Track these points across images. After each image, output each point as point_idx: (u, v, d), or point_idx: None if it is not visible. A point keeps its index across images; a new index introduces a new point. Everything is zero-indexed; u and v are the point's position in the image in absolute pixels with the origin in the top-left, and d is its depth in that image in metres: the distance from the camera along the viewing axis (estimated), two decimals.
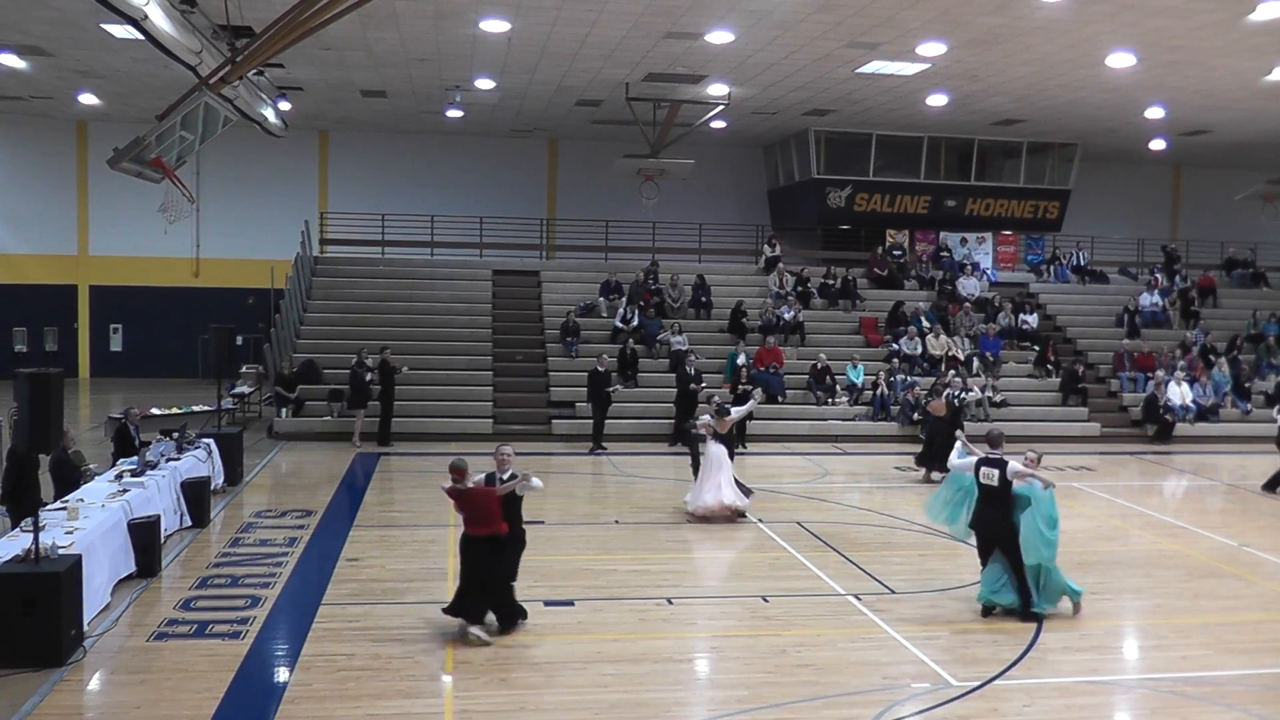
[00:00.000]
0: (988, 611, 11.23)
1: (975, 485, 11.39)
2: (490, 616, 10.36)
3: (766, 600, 11.59)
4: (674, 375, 23.92)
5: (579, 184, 32.25)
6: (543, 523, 15.15)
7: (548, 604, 11.24)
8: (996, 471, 11.20)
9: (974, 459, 11.49)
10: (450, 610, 10.28)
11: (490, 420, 23.61)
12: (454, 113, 28.02)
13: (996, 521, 11.18)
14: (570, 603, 11.36)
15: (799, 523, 15.45)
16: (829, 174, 30.26)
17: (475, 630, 10.11)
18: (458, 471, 10.40)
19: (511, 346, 26.07)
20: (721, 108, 25.34)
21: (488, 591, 10.26)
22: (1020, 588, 11.15)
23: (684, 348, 24.85)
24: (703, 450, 16.03)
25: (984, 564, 11.40)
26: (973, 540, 11.70)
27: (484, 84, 24.47)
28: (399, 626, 10.53)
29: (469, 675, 9.33)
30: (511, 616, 10.46)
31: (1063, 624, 11.09)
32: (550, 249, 31.81)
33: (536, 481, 10.63)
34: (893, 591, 12.14)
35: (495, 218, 31.23)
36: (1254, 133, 28.46)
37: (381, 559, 13.13)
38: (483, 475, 10.68)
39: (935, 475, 18.71)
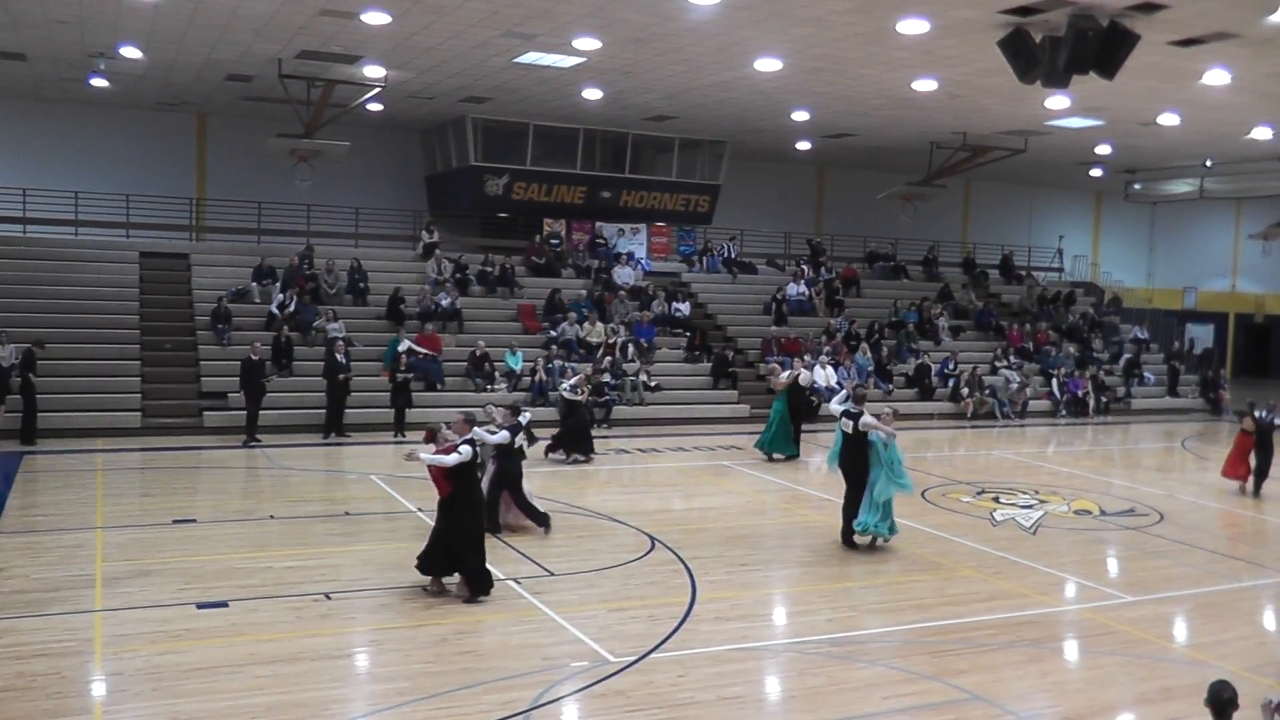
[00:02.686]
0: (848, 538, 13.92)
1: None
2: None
3: (426, 591, 11.43)
4: (324, 365, 23.14)
5: (231, 163, 30.65)
6: (194, 521, 14.47)
7: (200, 606, 10.71)
8: (852, 422, 13.81)
9: (842, 407, 14.06)
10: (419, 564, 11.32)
11: (139, 414, 22.22)
12: (99, 82, 25.89)
13: (852, 462, 13.86)
14: (224, 604, 10.84)
15: None
16: (487, 162, 30.23)
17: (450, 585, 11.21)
18: (427, 434, 11.60)
19: (160, 334, 24.58)
20: (378, 90, 24.78)
21: (454, 553, 11.14)
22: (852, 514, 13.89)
23: (341, 335, 24.16)
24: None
25: (851, 498, 13.91)
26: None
27: (130, 52, 22.75)
28: (44, 641, 9.66)
29: (119, 688, 8.69)
30: (476, 582, 11.17)
31: (715, 595, 11.57)
32: (200, 230, 30.13)
33: (425, 457, 11.05)
34: (551, 574, 12.29)
35: (143, 196, 29.18)
36: (894, 138, 30.63)
37: (26, 568, 11.99)
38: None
39: (579, 456, 19.80)
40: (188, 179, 30.69)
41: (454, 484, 11.08)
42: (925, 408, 28.85)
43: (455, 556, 11.16)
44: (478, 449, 11.42)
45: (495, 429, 13.21)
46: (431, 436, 11.31)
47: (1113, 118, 26.35)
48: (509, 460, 13.87)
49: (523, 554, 13.06)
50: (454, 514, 11.10)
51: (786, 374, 21.88)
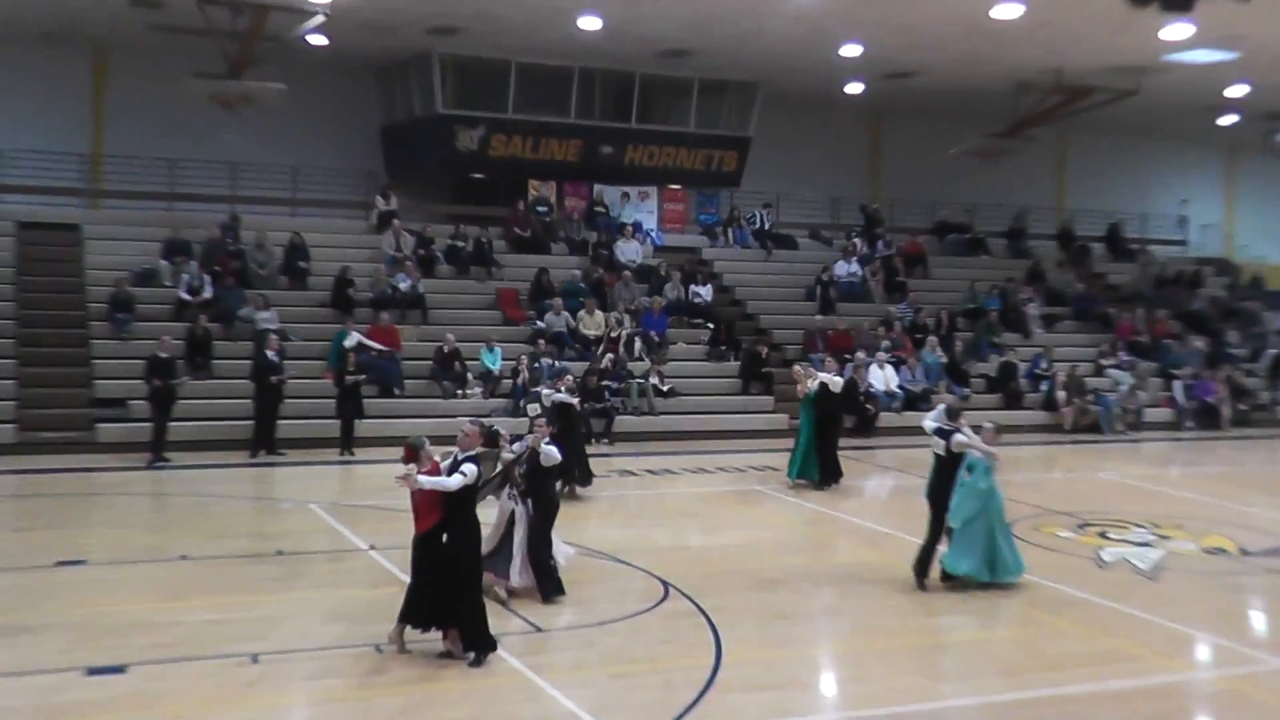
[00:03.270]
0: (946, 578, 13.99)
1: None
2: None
3: (381, 650, 11.34)
4: (251, 365, 23.08)
5: (135, 111, 30.58)
6: (84, 563, 14.38)
7: (92, 672, 10.60)
8: (944, 442, 13.89)
9: (935, 424, 14.20)
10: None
11: (13, 426, 22.32)
12: None
13: (942, 490, 13.96)
14: (121, 669, 10.72)
15: None
16: (458, 109, 30.14)
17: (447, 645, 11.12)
18: (408, 451, 11.27)
19: (41, 325, 24.69)
20: (322, 19, 24.74)
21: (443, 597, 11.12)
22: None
23: (273, 327, 24.14)
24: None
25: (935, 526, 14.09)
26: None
27: None
28: None
29: None
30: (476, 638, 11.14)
31: (745, 656, 11.46)
32: (96, 195, 30.13)
33: (422, 480, 11.00)
34: (539, 629, 12.22)
35: (22, 152, 29.16)
36: (970, 78, 30.58)
37: None
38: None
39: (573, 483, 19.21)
40: (80, 131, 30.64)
41: (448, 513, 11.02)
42: (1011, 418, 28.65)
43: (449, 606, 11.09)
44: (480, 468, 11.38)
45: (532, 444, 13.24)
46: (413, 455, 11.19)
47: (1250, 49, 26.24)
48: (546, 483, 13.52)
49: (503, 604, 12.95)
50: (444, 551, 11.05)
51: (822, 377, 20.93)
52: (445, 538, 11.06)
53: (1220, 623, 13.34)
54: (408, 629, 11.27)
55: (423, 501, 11.02)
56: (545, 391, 19.73)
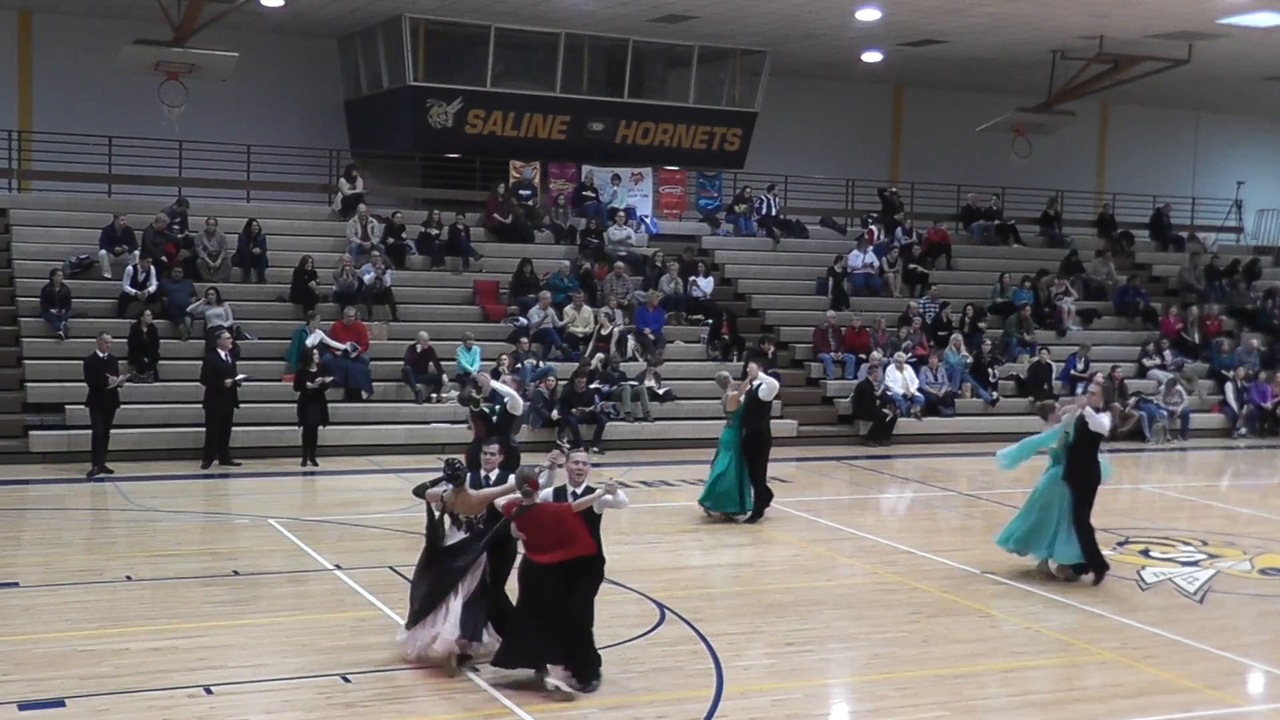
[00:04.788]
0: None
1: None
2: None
3: (349, 680, 11.42)
4: (201, 365, 23.11)
5: (69, 82, 30.62)
6: (16, 585, 14.38)
7: (24, 707, 10.64)
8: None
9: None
10: (506, 659, 11.25)
11: None
12: None
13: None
14: (60, 703, 10.77)
15: (393, 567, 15.35)
16: (431, 81, 30.18)
17: (555, 680, 11.14)
18: (530, 482, 11.29)
19: None
20: None
21: (559, 633, 11.23)
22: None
23: (226, 324, 24.18)
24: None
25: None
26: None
27: None
28: None
29: None
30: (587, 666, 11.39)
31: (750, 686, 11.54)
32: (25, 176, 30.13)
33: (622, 496, 11.65)
34: None
35: None
36: (1000, 45, 30.62)
37: None
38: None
39: None
40: (4, 105, 30.68)
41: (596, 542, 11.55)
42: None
43: (567, 638, 11.35)
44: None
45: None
46: (536, 485, 11.45)
47: None
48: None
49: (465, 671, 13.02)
50: (583, 580, 11.51)
51: (758, 384, 19.16)
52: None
53: (1276, 651, 13.43)
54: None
55: (577, 525, 11.35)
56: (483, 379, 18.98)
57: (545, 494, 11.50)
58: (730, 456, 18.94)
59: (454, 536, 12.01)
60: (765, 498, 19.20)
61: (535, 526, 11.26)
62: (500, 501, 11.74)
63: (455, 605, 11.67)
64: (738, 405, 19.05)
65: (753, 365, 19.83)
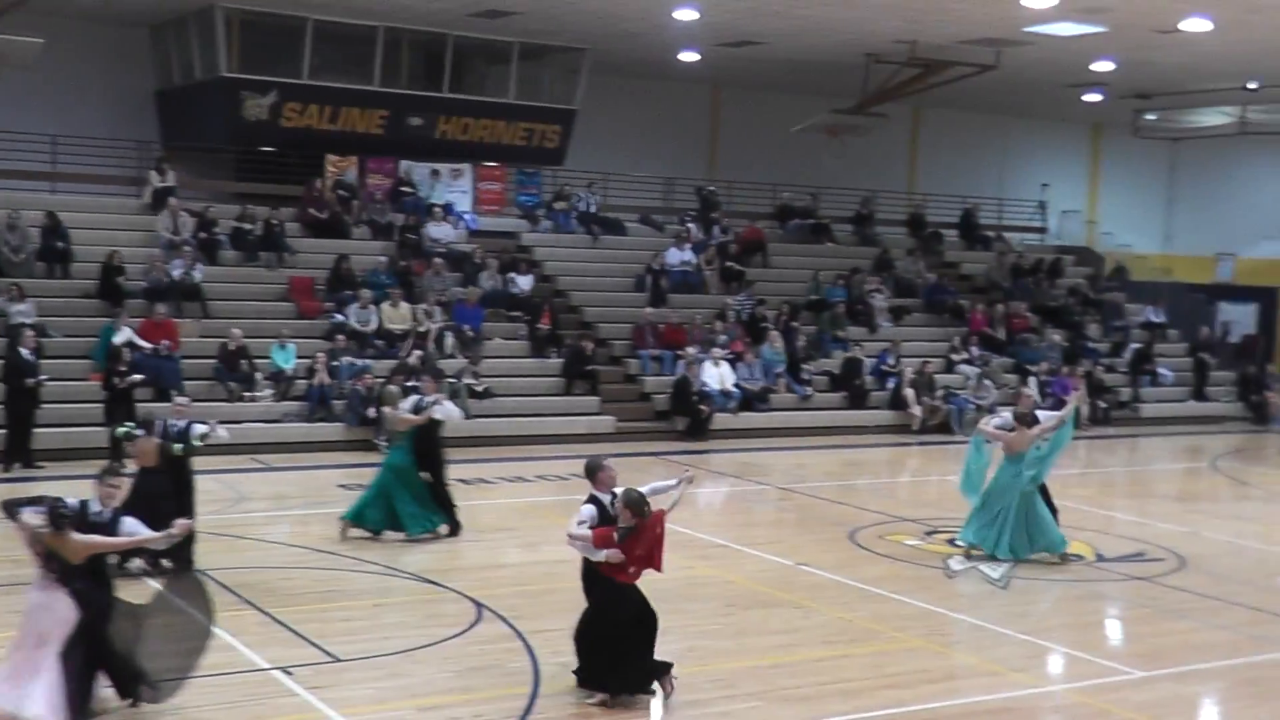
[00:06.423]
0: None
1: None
2: None
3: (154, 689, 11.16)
4: (2, 364, 22.50)
5: None
6: None
7: None
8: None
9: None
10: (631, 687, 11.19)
11: None
12: None
13: None
14: None
15: (200, 571, 15.06)
16: (245, 72, 29.69)
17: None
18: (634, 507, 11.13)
19: None
20: None
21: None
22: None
23: (28, 321, 23.57)
24: None
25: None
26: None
27: None
28: None
29: None
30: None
31: (568, 683, 11.54)
32: None
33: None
34: (337, 659, 12.16)
35: None
36: (816, 48, 30.89)
37: None
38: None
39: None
40: None
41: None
42: (856, 418, 29.32)
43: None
44: None
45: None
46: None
47: (1118, 21, 27.00)
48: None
49: (296, 632, 12.88)
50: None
51: (439, 412, 17.85)
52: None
53: (1076, 634, 13.83)
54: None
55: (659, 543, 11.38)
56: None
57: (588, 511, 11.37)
58: (386, 478, 17.31)
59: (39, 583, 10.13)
60: (449, 506, 17.83)
61: (637, 544, 11.18)
62: (586, 533, 11.17)
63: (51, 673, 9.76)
64: (408, 427, 17.43)
65: (427, 381, 18.75)
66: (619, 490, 11.39)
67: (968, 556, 16.79)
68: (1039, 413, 17.40)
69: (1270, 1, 24.34)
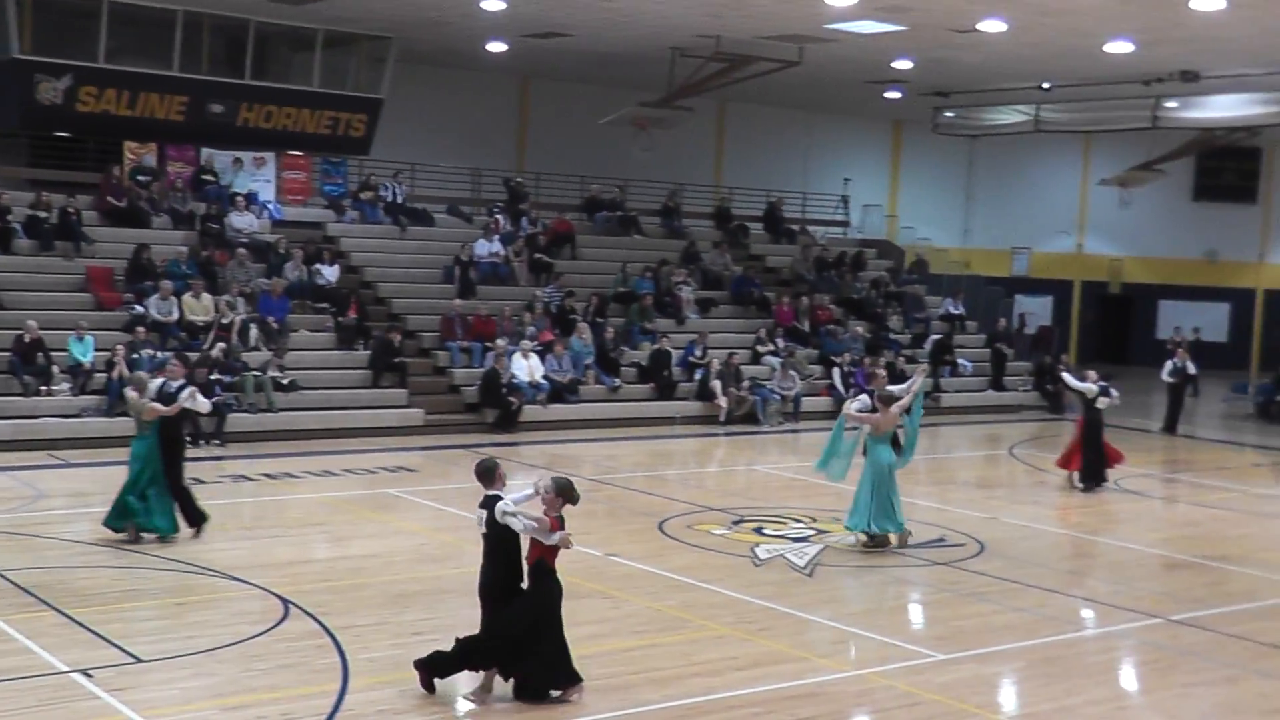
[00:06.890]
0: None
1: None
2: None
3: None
4: None
5: None
6: None
7: None
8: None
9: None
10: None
11: None
12: None
13: None
14: None
15: None
16: (38, 54, 28.91)
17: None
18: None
19: None
20: None
21: None
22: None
23: None
24: None
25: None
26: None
27: None
28: None
29: None
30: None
31: (376, 679, 11.52)
32: None
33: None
34: (138, 659, 11.96)
35: None
36: (623, 40, 31.05)
37: None
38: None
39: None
40: None
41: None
42: (663, 409, 29.56)
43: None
44: None
45: None
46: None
47: (917, 21, 27.61)
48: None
49: (96, 633, 12.64)
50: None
51: (175, 390, 16.97)
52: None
53: (880, 619, 14.17)
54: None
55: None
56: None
57: (509, 502, 11.22)
58: (142, 469, 16.43)
59: None
60: (188, 499, 16.97)
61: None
62: (536, 529, 11.16)
63: None
64: (155, 417, 16.50)
65: (175, 365, 18.07)
66: (540, 481, 11.46)
67: (871, 542, 17.37)
68: (889, 388, 18.51)
69: (1062, 5, 25.12)
